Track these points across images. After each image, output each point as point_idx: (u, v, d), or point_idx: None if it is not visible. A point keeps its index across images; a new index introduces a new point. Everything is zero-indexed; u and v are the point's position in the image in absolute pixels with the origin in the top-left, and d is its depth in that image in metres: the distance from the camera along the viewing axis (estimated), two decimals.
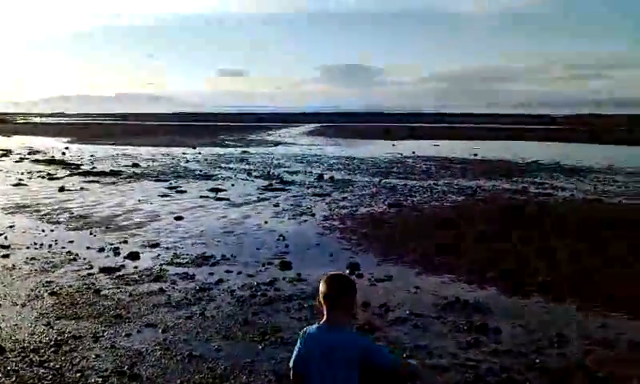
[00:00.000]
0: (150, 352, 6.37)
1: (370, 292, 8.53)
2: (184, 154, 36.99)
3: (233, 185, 21.55)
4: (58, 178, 23.07)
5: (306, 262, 10.41)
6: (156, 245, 11.64)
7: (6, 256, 10.55)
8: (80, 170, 26.20)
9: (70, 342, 6.64)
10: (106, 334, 6.89)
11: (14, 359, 6.15)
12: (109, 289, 8.69)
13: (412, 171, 26.79)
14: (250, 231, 13.23)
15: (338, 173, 25.85)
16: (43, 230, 12.95)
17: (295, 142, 54.03)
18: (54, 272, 9.57)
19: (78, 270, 9.68)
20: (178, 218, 14.62)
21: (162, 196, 18.58)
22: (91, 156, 34.70)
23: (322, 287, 3.15)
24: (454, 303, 8.06)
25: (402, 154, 36.91)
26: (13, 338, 6.73)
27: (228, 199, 17.98)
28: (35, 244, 11.54)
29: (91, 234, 12.71)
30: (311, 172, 26.14)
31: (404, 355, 6.22)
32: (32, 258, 10.39)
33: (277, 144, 49.56)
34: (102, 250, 11.17)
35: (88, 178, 23.12)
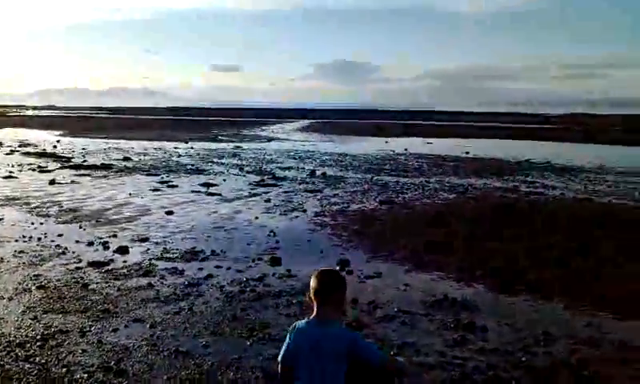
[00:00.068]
0: (137, 347, 6.35)
1: (359, 289, 8.54)
2: (176, 148, 36.90)
3: (224, 180, 21.50)
4: (48, 171, 22.94)
5: (296, 258, 10.40)
6: (146, 239, 11.60)
7: None
8: (71, 163, 26.08)
9: (56, 336, 6.60)
10: (93, 328, 6.85)
11: None
12: (97, 283, 8.65)
13: (404, 168, 26.82)
14: (240, 226, 13.21)
15: (331, 169, 25.85)
16: (32, 223, 12.88)
17: (288, 137, 54.01)
18: (42, 265, 9.52)
19: (67, 264, 9.63)
20: (169, 213, 14.58)
21: (152, 190, 18.51)
22: (83, 149, 34.55)
23: (312, 283, 3.20)
24: (443, 301, 8.08)
25: (394, 151, 36.96)
26: None
27: (219, 194, 17.94)
28: (24, 237, 11.48)
29: (81, 227, 12.65)
30: (303, 168, 26.13)
31: (391, 352, 6.23)
32: (20, 251, 10.32)
33: (270, 140, 49.51)
34: (91, 243, 11.12)
35: (79, 172, 23.00)
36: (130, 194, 17.50)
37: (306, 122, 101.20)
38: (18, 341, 6.43)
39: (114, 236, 11.82)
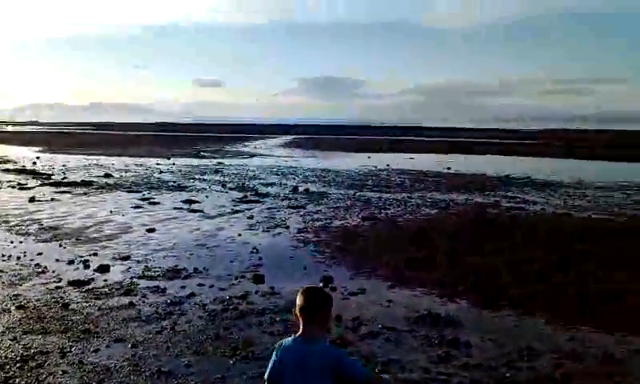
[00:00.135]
0: (119, 368, 6.27)
1: (343, 306, 8.52)
2: (158, 164, 36.72)
3: (207, 196, 21.41)
4: (28, 188, 22.69)
5: (280, 276, 10.37)
6: (127, 257, 11.49)
7: None
8: (51, 180, 25.82)
9: (36, 357, 6.50)
10: (73, 349, 6.76)
11: None
12: (77, 303, 8.55)
13: (386, 184, 26.92)
14: (223, 244, 13.15)
15: (313, 185, 25.86)
16: (12, 242, 12.71)
17: (271, 153, 54.01)
18: (21, 285, 9.39)
19: (47, 283, 9.51)
20: (150, 230, 14.46)
21: (134, 207, 18.37)
22: (63, 166, 34.25)
23: (298, 300, 3.21)
24: (426, 317, 8.09)
25: (376, 167, 37.11)
26: None
27: (202, 211, 17.86)
28: (3, 256, 11.32)
29: (61, 245, 12.51)
30: (286, 184, 26.12)
31: (376, 370, 6.22)
32: None
33: (252, 155, 49.47)
34: (71, 262, 11.00)
35: (59, 189, 22.76)
36: (111, 212, 17.35)
37: (289, 137, 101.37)
38: None
39: (95, 254, 11.70)
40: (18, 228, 14.38)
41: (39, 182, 25.01)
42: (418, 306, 8.67)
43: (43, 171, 30.53)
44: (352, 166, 37.51)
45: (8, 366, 6.23)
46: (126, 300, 8.70)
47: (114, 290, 9.25)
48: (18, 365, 6.27)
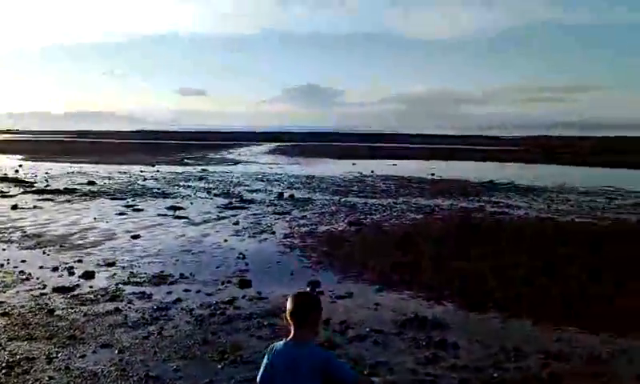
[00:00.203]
0: (106, 373, 6.22)
1: (330, 309, 8.52)
2: (142, 172, 36.49)
3: (192, 203, 21.32)
4: (10, 196, 22.42)
5: (267, 281, 10.35)
6: (112, 264, 11.40)
7: None
8: (34, 188, 25.54)
9: (22, 363, 6.43)
10: (60, 355, 6.69)
11: None
12: (63, 309, 8.46)
13: (372, 190, 27.01)
14: (209, 250, 13.10)
15: (299, 191, 25.86)
16: None
17: (256, 160, 53.97)
18: (5, 292, 9.27)
19: (31, 290, 9.40)
20: (135, 237, 14.37)
21: (118, 214, 18.24)
22: (46, 173, 33.92)
23: (288, 305, 3.26)
24: (413, 319, 8.12)
25: (361, 173, 37.21)
26: None
27: (187, 218, 17.78)
28: None
29: (45, 253, 12.38)
30: (271, 190, 26.10)
31: (365, 372, 6.24)
32: None
33: (237, 163, 49.40)
34: (55, 269, 10.89)
35: (42, 196, 22.53)
36: (95, 219, 17.21)
37: (273, 144, 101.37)
38: None
39: (80, 261, 11.59)
40: (1, 235, 14.20)
41: (22, 190, 24.74)
42: (405, 309, 8.70)
43: (26, 179, 30.21)
44: (337, 173, 37.59)
45: None
46: (111, 306, 8.63)
47: (99, 296, 9.17)
48: (3, 371, 6.20)
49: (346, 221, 17.29)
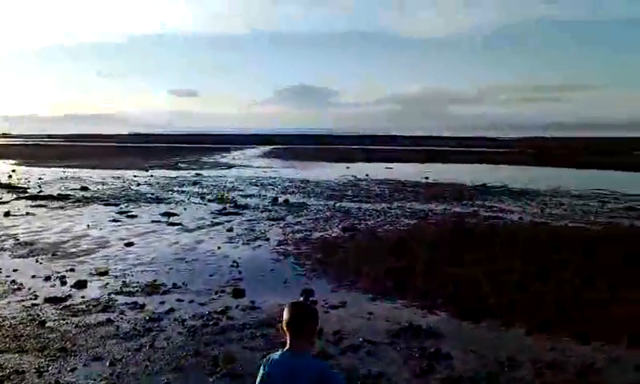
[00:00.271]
0: None
1: (324, 319, 8.47)
2: (135, 176, 36.40)
3: (185, 209, 21.26)
4: (2, 203, 22.30)
5: (260, 289, 10.31)
6: (104, 273, 11.33)
7: None
8: (27, 194, 25.41)
9: (12, 377, 6.38)
10: (50, 368, 6.63)
11: None
12: (54, 320, 8.40)
13: (366, 194, 26.99)
14: (202, 257, 13.04)
15: (293, 196, 25.83)
16: None
17: (250, 164, 53.90)
18: None
19: (22, 301, 9.34)
20: (129, 244, 14.31)
21: (111, 221, 18.17)
22: (39, 179, 33.76)
23: (285, 315, 3.24)
24: (407, 329, 8.09)
25: (355, 177, 37.21)
26: None
27: (180, 224, 17.71)
28: None
29: (37, 261, 12.31)
30: (265, 195, 26.06)
31: (358, 383, 6.21)
32: None
33: (231, 167, 49.32)
34: (47, 278, 10.82)
35: (35, 203, 22.43)
36: (88, 226, 17.13)
37: (267, 148, 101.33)
38: None
39: (72, 270, 11.53)
40: None
41: (14, 196, 24.62)
42: (399, 318, 8.68)
43: (19, 185, 30.06)
44: (331, 177, 37.57)
45: None
46: (103, 317, 8.58)
47: (91, 306, 9.11)
48: None
49: (340, 226, 17.27)
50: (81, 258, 12.71)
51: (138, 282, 10.63)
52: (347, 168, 46.51)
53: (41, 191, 26.79)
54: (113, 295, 9.75)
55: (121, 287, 10.27)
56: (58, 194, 25.25)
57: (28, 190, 27.18)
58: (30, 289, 10.05)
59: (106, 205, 22.18)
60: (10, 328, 7.99)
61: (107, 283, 10.57)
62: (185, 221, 18.32)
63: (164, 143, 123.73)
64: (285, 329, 3.22)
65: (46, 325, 8.17)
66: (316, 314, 3.35)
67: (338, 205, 22.64)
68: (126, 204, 22.41)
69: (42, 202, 22.51)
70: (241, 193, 27.24)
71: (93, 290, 10.05)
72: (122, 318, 8.54)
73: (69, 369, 6.63)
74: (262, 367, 3.30)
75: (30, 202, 22.52)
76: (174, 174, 39.63)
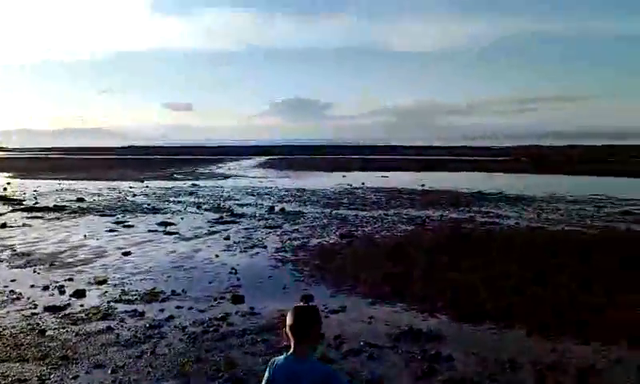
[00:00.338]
0: None
1: (324, 324, 8.41)
2: (131, 187, 36.34)
3: (182, 218, 21.25)
4: None
5: (259, 296, 10.31)
6: (103, 281, 11.32)
7: None
8: (23, 206, 25.36)
9: None
10: (52, 376, 6.62)
11: None
12: (54, 329, 8.38)
13: (362, 202, 27.03)
14: (200, 265, 13.04)
15: (289, 205, 25.84)
16: None
17: (246, 174, 53.90)
18: None
19: (22, 310, 9.32)
20: (126, 254, 14.29)
21: (108, 231, 18.14)
22: (34, 191, 33.68)
23: (288, 319, 3.26)
24: (408, 332, 8.11)
25: (351, 186, 37.26)
26: None
27: (177, 233, 17.70)
28: None
29: (35, 271, 12.28)
30: (262, 204, 26.06)
31: None
32: None
33: (227, 177, 49.31)
34: (46, 288, 10.80)
35: (31, 214, 22.38)
36: (85, 236, 17.10)
37: (263, 158, 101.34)
38: None
39: (70, 279, 11.50)
40: None
41: (10, 208, 24.55)
42: (399, 321, 8.69)
43: (14, 197, 29.99)
44: (327, 185, 37.60)
45: None
46: (103, 325, 8.56)
47: (91, 314, 9.10)
48: None
49: (337, 233, 17.29)
50: (79, 268, 12.68)
51: (136, 290, 10.62)
52: (343, 177, 46.57)
53: (37, 203, 26.74)
54: (112, 303, 9.74)
55: (120, 295, 10.26)
56: (54, 206, 25.20)
57: (24, 202, 27.12)
58: (28, 298, 10.03)
59: (102, 215, 22.14)
60: (11, 337, 7.97)
61: (106, 292, 10.56)
62: (182, 230, 18.31)
63: (159, 155, 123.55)
64: (289, 333, 3.24)
65: (47, 333, 8.15)
66: (320, 317, 3.36)
67: (334, 212, 22.67)
68: (122, 214, 22.38)
69: (39, 214, 22.46)
70: (237, 202, 27.23)
71: (92, 299, 10.03)
72: (122, 326, 8.53)
73: (71, 377, 6.62)
74: (267, 370, 3.32)
75: (26, 214, 22.47)
76: (170, 184, 39.61)
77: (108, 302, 9.80)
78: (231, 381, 6.51)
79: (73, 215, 22.21)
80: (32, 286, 10.87)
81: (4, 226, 19.02)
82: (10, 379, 6.50)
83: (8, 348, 7.53)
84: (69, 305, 9.64)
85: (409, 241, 15.63)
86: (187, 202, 27.49)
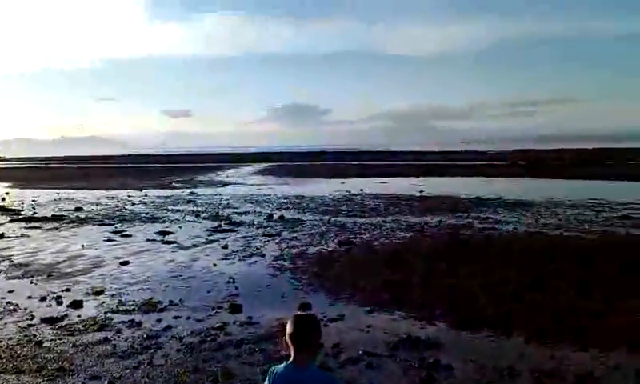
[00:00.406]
0: None
1: (322, 332, 8.45)
2: (129, 196, 36.29)
3: (180, 227, 21.22)
4: None
5: (257, 305, 10.29)
6: (100, 292, 11.29)
7: None
8: (21, 216, 25.32)
9: None
10: None
11: None
12: (51, 340, 8.36)
13: (361, 209, 27.00)
14: (198, 274, 13.01)
15: (288, 212, 25.81)
16: None
17: (244, 181, 53.85)
18: None
19: (19, 321, 9.30)
20: (124, 263, 14.27)
21: (106, 241, 18.12)
22: (33, 201, 33.64)
23: (288, 328, 3.26)
24: (406, 340, 8.09)
25: (350, 192, 37.21)
26: None
27: (175, 242, 17.68)
28: None
29: (32, 282, 12.26)
30: (261, 212, 26.03)
31: None
32: None
33: (225, 184, 49.25)
34: (43, 298, 10.77)
35: (29, 224, 22.35)
36: (83, 246, 17.07)
37: (261, 165, 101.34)
38: None
39: (68, 290, 11.48)
40: None
41: (8, 218, 24.50)
42: (398, 329, 8.67)
43: (12, 207, 29.95)
44: (326, 192, 37.56)
45: None
46: (100, 335, 8.54)
47: (88, 325, 9.07)
48: None
49: (335, 241, 17.27)
50: (76, 278, 12.66)
51: (134, 301, 10.59)
52: (342, 183, 46.53)
53: (35, 213, 26.71)
54: (109, 314, 9.71)
55: (117, 306, 10.23)
56: (53, 216, 25.17)
57: (22, 212, 27.09)
58: (25, 309, 10.01)
59: (100, 225, 22.11)
60: (7, 349, 7.95)
61: (103, 302, 10.53)
62: (180, 239, 18.28)
63: (158, 163, 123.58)
64: (289, 341, 3.24)
65: (43, 345, 8.13)
66: (320, 325, 3.37)
67: (333, 219, 22.65)
68: (120, 224, 22.35)
69: (37, 224, 22.43)
70: (235, 210, 27.19)
71: (89, 309, 10.01)
72: (119, 337, 8.50)
73: None
74: (266, 379, 3.31)
75: (24, 224, 22.44)
76: (168, 193, 39.55)
77: (105, 313, 9.78)
78: None
79: (71, 225, 22.19)
80: (29, 297, 10.85)
81: (2, 236, 19.01)
82: None
83: (4, 360, 7.51)
84: (66, 316, 9.62)
85: (407, 248, 15.62)
86: (185, 210, 27.46)
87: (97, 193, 39.78)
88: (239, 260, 14.65)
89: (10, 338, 8.41)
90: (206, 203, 30.96)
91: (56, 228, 21.33)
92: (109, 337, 8.47)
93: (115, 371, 7.10)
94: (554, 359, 7.37)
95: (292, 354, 3.24)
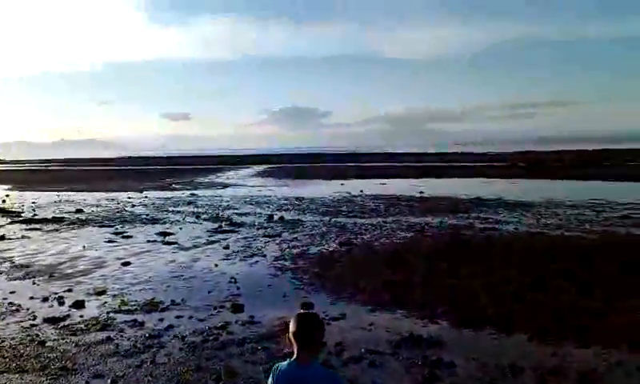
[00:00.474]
0: None
1: (325, 331, 8.46)
2: (130, 198, 36.30)
3: (181, 228, 21.23)
4: None
5: (259, 304, 10.31)
6: (102, 292, 11.31)
7: None
8: (21, 218, 25.32)
9: None
10: None
11: None
12: (54, 340, 8.38)
13: (361, 210, 27.00)
14: (200, 275, 13.03)
15: (288, 213, 25.82)
16: None
17: (244, 183, 53.85)
18: None
19: (21, 322, 9.32)
20: (125, 264, 14.28)
21: (107, 242, 18.13)
22: (33, 203, 33.63)
23: (292, 325, 3.30)
24: (408, 339, 8.11)
25: (350, 193, 37.21)
26: None
27: (176, 243, 17.69)
28: None
29: (34, 283, 12.28)
30: (261, 213, 26.04)
31: None
32: None
33: (225, 186, 49.26)
34: (45, 299, 10.79)
35: (30, 226, 22.36)
36: (84, 247, 17.09)
37: (261, 167, 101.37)
38: None
39: (70, 290, 11.50)
40: None
41: (9, 220, 24.52)
42: (400, 328, 8.69)
43: (13, 209, 29.94)
44: (326, 193, 37.56)
45: None
46: (103, 335, 8.56)
47: (90, 325, 9.09)
48: None
49: (336, 241, 17.28)
50: (78, 279, 12.68)
51: (136, 300, 10.61)
52: (341, 185, 46.53)
53: (35, 215, 26.71)
54: (111, 314, 9.74)
55: (119, 306, 10.25)
56: (53, 217, 25.18)
57: (22, 214, 27.08)
58: (28, 310, 10.03)
59: (101, 226, 22.13)
60: (10, 348, 7.97)
61: (105, 302, 10.55)
62: (181, 240, 18.30)
63: (159, 165, 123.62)
64: (292, 339, 3.27)
65: (46, 344, 8.14)
66: (323, 323, 3.42)
67: (333, 220, 22.65)
68: (121, 225, 22.35)
69: (37, 226, 22.44)
70: (236, 211, 27.20)
71: (91, 310, 10.03)
72: (121, 336, 8.52)
73: None
74: (270, 377, 3.33)
75: (24, 226, 22.45)
76: (168, 194, 39.55)
77: (107, 313, 9.80)
78: None
79: (71, 227, 22.19)
80: (31, 298, 10.87)
81: (3, 238, 19.01)
82: None
83: (7, 359, 7.53)
84: (68, 316, 9.64)
85: (408, 248, 15.64)
86: (186, 211, 27.46)
87: (97, 195, 39.79)
88: (240, 260, 14.67)
89: (13, 338, 8.42)
90: (207, 204, 30.97)
91: (57, 229, 21.34)
92: (111, 336, 8.49)
93: (118, 370, 7.12)
94: (557, 357, 7.39)
95: (295, 352, 3.27)
